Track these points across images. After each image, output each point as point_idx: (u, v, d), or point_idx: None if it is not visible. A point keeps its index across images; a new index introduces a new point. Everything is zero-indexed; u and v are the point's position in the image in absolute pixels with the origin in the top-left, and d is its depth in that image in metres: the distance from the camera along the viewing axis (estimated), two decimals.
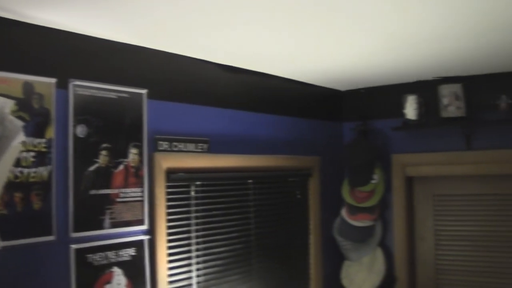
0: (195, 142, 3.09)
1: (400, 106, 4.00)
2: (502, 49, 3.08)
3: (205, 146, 3.14)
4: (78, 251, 2.51)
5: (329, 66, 3.45)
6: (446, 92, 3.86)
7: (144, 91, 2.83)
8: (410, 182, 4.25)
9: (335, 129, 4.39)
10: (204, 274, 3.17)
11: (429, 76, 3.89)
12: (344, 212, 4.19)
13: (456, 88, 3.85)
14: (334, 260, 4.27)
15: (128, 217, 2.72)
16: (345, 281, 4.25)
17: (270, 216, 3.70)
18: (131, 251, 2.73)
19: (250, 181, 3.51)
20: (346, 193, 4.19)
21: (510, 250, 3.91)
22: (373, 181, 4.07)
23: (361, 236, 4.15)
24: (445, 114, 3.87)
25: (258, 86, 3.59)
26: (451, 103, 3.85)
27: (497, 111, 3.71)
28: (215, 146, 3.22)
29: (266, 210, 3.66)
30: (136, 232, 2.77)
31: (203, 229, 3.17)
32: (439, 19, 2.44)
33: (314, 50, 3.00)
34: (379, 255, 4.18)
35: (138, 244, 2.77)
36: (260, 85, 3.61)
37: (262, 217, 3.62)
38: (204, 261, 3.17)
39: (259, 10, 2.24)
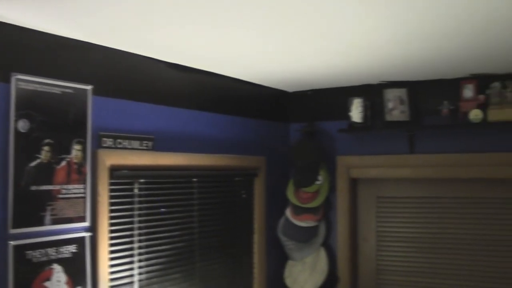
0: (140, 139, 3.07)
1: (346, 108, 4.06)
2: (445, 56, 3.16)
3: (150, 143, 3.12)
4: (16, 247, 2.46)
5: (277, 67, 3.47)
6: (391, 96, 3.93)
7: (89, 87, 2.79)
8: (354, 183, 4.31)
9: (282, 130, 4.42)
10: (146, 272, 3.15)
11: (375, 80, 3.96)
12: (288, 212, 4.22)
13: (401, 92, 3.93)
14: (278, 260, 4.30)
15: (69, 213, 2.68)
16: (288, 281, 4.28)
17: (214, 215, 3.70)
18: (72, 248, 2.69)
19: (194, 179, 3.51)
20: (291, 193, 4.23)
21: (449, 252, 4.02)
22: (317, 182, 4.11)
23: (305, 236, 4.19)
24: (389, 117, 3.94)
25: (205, 85, 3.59)
26: (395, 107, 3.93)
27: (440, 116, 3.80)
28: (160, 144, 3.21)
29: (210, 209, 3.66)
30: (78, 229, 2.73)
31: (146, 227, 3.15)
32: (385, 25, 2.48)
33: (262, 51, 3.01)
34: (322, 255, 4.23)
35: (80, 241, 2.73)
36: (208, 84, 3.61)
37: (206, 216, 3.61)
38: (147, 259, 3.15)
39: (208, 9, 2.24)
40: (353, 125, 4.05)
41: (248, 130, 4.00)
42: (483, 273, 3.91)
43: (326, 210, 4.27)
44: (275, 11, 2.27)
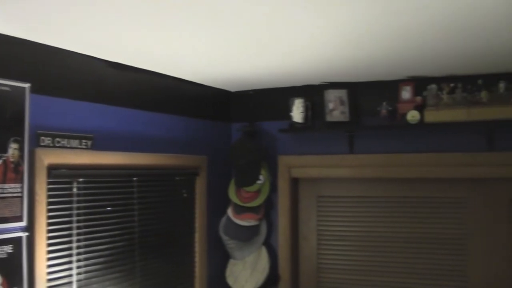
0: (79, 138, 3.02)
1: (288, 109, 4.10)
2: (384, 59, 3.23)
3: (89, 142, 3.08)
4: None
5: (219, 67, 3.47)
6: (332, 97, 3.99)
7: (26, 85, 2.73)
8: (295, 183, 4.36)
9: (223, 129, 4.43)
10: (85, 272, 3.10)
11: (316, 81, 4.01)
12: (230, 212, 4.23)
13: (342, 93, 3.99)
14: (219, 259, 4.31)
15: (5, 213, 2.62)
16: (229, 280, 4.29)
17: (155, 214, 3.67)
18: (8, 249, 2.63)
19: (135, 179, 3.48)
20: (232, 192, 4.24)
21: (387, 250, 4.12)
22: (258, 182, 4.13)
23: (246, 235, 4.21)
24: (330, 118, 4.00)
25: (147, 85, 3.56)
26: (336, 108, 3.99)
27: (378, 117, 3.88)
28: (99, 143, 3.16)
29: (151, 208, 3.63)
30: (14, 229, 2.67)
31: (85, 227, 3.10)
32: (326, 28, 2.51)
33: (204, 51, 3.00)
34: (263, 254, 4.26)
35: (16, 241, 2.67)
36: (149, 83, 3.58)
37: (146, 215, 3.58)
38: (86, 259, 3.10)
39: (149, 8, 2.22)
40: (294, 125, 4.09)
41: (189, 129, 3.99)
42: (420, 270, 4.03)
43: (267, 209, 4.31)
44: (216, 12, 2.28)
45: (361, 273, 4.19)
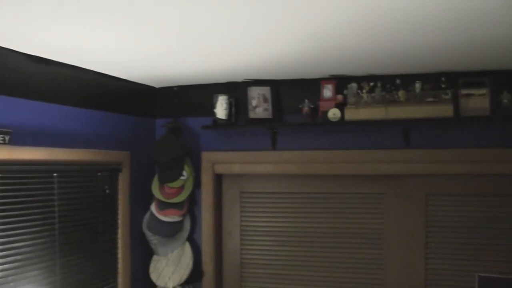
0: None
1: (211, 105, 4.12)
2: (307, 58, 3.29)
3: (7, 137, 3.00)
4: None
5: (144, 63, 3.44)
6: (255, 94, 4.04)
7: None
8: (218, 179, 4.39)
9: (147, 125, 4.40)
10: (2, 270, 3.03)
11: (240, 78, 4.04)
12: (153, 207, 4.22)
13: (265, 91, 4.05)
14: (142, 255, 4.29)
15: None
16: (153, 276, 4.28)
17: (76, 210, 3.61)
18: None
19: (55, 174, 3.42)
20: (155, 188, 4.23)
21: (309, 245, 4.21)
22: (182, 178, 4.14)
23: (170, 231, 4.21)
24: (253, 115, 4.05)
25: (69, 79, 3.50)
26: (259, 105, 4.04)
27: (300, 114, 3.96)
28: (18, 138, 3.09)
29: (72, 204, 3.57)
30: None
31: (3, 223, 3.03)
32: (249, 25, 2.53)
33: (128, 47, 2.98)
34: (187, 249, 4.27)
35: None
36: (72, 78, 3.52)
37: (67, 211, 3.52)
38: (3, 256, 3.03)
39: (70, 1, 2.19)
40: (217, 122, 4.12)
41: (112, 125, 3.94)
42: (340, 263, 4.15)
43: (191, 205, 4.32)
44: (137, 8, 2.27)
45: (283, 267, 4.27)
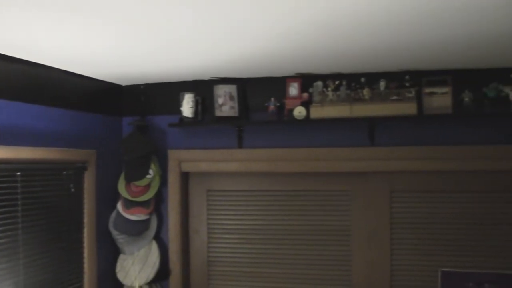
0: None
1: (178, 103, 4.12)
2: (273, 56, 3.31)
3: None
4: None
5: (110, 60, 3.42)
6: (222, 92, 4.05)
7: None
8: (185, 177, 4.39)
9: (114, 124, 4.38)
10: None
11: (206, 76, 4.05)
12: (119, 206, 4.21)
13: (231, 89, 4.06)
14: (109, 254, 4.27)
15: None
16: (119, 275, 4.26)
17: (40, 209, 3.58)
18: None
19: (18, 173, 3.38)
20: (122, 187, 4.21)
21: (276, 242, 4.24)
22: (148, 176, 4.13)
23: (136, 230, 4.20)
24: (219, 113, 4.06)
25: (33, 77, 3.46)
26: (225, 103, 4.05)
27: (267, 112, 3.98)
28: None
29: (36, 203, 3.54)
30: None
31: None
32: (215, 24, 2.54)
33: (94, 44, 2.96)
34: (154, 248, 4.26)
35: None
36: (36, 76, 3.48)
37: (31, 210, 3.49)
38: None
39: None
40: (184, 120, 4.12)
41: (78, 123, 3.91)
42: (308, 260, 4.18)
43: (158, 204, 4.31)
44: (105, 5, 2.25)
45: (250, 265, 4.29)
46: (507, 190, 3.85)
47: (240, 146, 4.16)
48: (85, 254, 4.01)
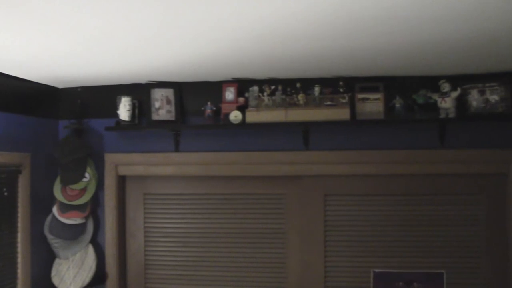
0: None
1: (115, 106, 4.11)
2: (210, 60, 3.35)
3: None
4: None
5: (46, 63, 3.38)
6: (158, 96, 4.07)
7: None
8: (122, 180, 4.37)
9: (50, 127, 4.33)
10: None
11: (143, 80, 4.06)
12: (55, 210, 4.17)
13: (168, 92, 4.08)
14: (44, 259, 4.21)
15: None
16: (55, 280, 4.22)
17: None
18: None
19: None
20: (57, 190, 4.17)
21: (212, 245, 4.28)
22: (84, 179, 4.11)
23: (72, 234, 4.17)
24: (156, 116, 4.08)
25: None
26: (162, 107, 4.07)
27: (203, 116, 4.02)
28: None
29: None
30: None
31: None
32: (154, 27, 2.55)
33: (25, 45, 2.92)
34: (90, 252, 4.23)
35: None
36: None
37: None
38: None
39: None
40: (120, 123, 4.12)
41: (12, 126, 3.85)
42: (244, 263, 4.22)
43: (94, 207, 4.29)
44: (36, 7, 2.24)
45: (187, 268, 4.30)
46: (436, 193, 3.99)
47: (176, 149, 4.19)
48: (19, 259, 3.95)
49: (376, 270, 4.00)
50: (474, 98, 3.74)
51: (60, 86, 4.35)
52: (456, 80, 3.76)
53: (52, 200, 4.22)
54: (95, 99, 4.33)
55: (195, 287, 4.29)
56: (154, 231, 4.37)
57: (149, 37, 2.76)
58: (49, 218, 4.21)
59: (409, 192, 4.02)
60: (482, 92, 3.72)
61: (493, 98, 3.70)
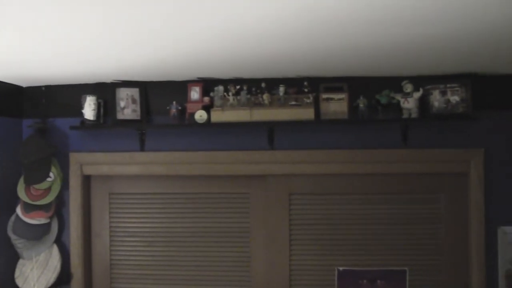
0: None
1: (80, 106, 4.09)
2: (175, 60, 3.35)
3: None
4: None
5: (9, 60, 3.36)
6: (124, 95, 4.06)
7: None
8: (87, 180, 4.35)
9: (13, 126, 4.28)
10: None
11: (108, 79, 4.05)
12: (19, 210, 4.13)
13: (133, 92, 4.08)
14: (8, 260, 4.17)
15: None
16: (18, 281, 4.18)
17: None
18: None
19: None
20: (21, 190, 4.13)
21: (178, 244, 4.28)
22: (49, 179, 4.08)
23: (36, 234, 4.13)
24: (121, 116, 4.07)
25: None
26: (127, 106, 4.06)
27: (168, 116, 4.03)
28: None
29: None
30: None
31: None
32: (113, 26, 2.55)
33: None
34: (54, 252, 4.20)
35: None
36: None
37: None
38: None
39: None
40: (85, 122, 4.10)
41: None
42: (209, 262, 4.23)
43: (59, 207, 4.26)
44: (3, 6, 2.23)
45: (153, 267, 4.30)
46: (399, 192, 4.05)
47: (142, 149, 4.18)
48: None
49: (341, 268, 4.05)
50: (436, 99, 3.80)
51: (24, 84, 4.31)
52: (419, 81, 3.83)
53: (15, 200, 4.18)
54: (60, 98, 4.30)
55: (160, 287, 4.29)
56: (119, 231, 4.35)
57: (115, 37, 2.75)
58: (12, 218, 4.16)
59: (373, 191, 4.07)
60: (443, 93, 3.79)
61: (454, 98, 3.77)
